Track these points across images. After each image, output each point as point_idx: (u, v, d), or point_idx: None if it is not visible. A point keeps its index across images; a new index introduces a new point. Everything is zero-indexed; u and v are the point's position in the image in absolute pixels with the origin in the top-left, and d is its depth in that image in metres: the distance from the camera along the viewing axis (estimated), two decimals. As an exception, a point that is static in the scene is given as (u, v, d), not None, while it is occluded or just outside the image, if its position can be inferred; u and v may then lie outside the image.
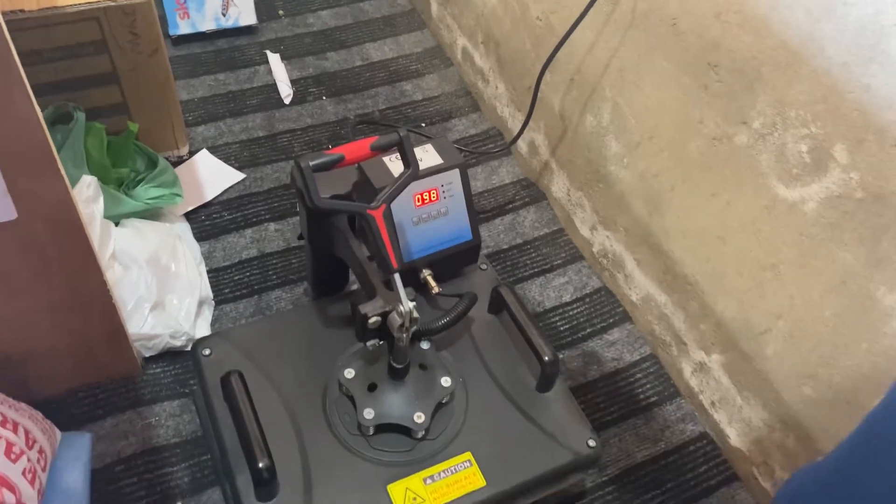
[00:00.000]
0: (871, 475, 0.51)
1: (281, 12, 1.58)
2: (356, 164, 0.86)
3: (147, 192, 1.10)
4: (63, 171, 0.75)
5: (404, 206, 0.89)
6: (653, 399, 1.08)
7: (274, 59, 1.48)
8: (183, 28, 1.46)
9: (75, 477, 0.88)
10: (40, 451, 0.83)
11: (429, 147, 0.92)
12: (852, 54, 0.71)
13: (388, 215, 0.74)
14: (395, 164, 0.89)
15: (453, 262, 0.96)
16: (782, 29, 0.78)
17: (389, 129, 1.38)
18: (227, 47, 1.49)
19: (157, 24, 1.07)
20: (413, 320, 0.75)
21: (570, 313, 1.17)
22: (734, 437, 1.02)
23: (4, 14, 0.58)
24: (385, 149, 0.74)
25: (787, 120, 0.80)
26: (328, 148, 1.34)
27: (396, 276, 0.73)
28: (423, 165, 0.90)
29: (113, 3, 0.79)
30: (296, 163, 0.71)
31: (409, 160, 0.74)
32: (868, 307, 0.77)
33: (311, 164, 0.69)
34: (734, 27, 0.84)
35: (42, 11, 0.75)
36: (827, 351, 0.84)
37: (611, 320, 1.16)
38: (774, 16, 0.78)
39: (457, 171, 0.91)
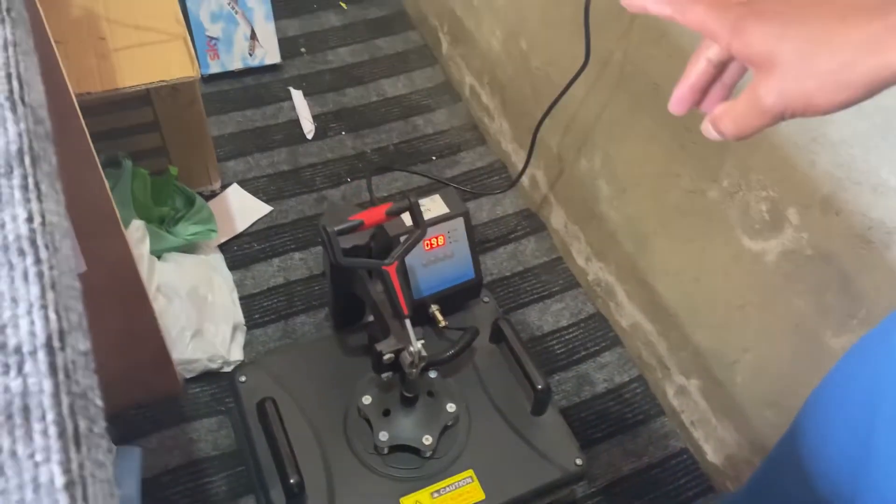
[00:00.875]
0: (774, 498, 0.64)
1: (303, 49, 1.70)
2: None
3: (186, 230, 1.23)
4: (123, 228, 0.88)
5: (415, 251, 1.01)
6: (639, 417, 1.20)
7: (297, 96, 1.60)
8: (213, 67, 1.59)
9: (129, 487, 1.02)
10: (102, 466, 0.96)
11: (436, 197, 1.04)
12: (800, 134, 0.82)
13: (401, 269, 0.86)
14: (406, 214, 1.01)
15: (458, 297, 1.08)
16: (744, 105, 0.89)
17: (400, 170, 1.50)
18: (254, 84, 1.62)
19: (196, 82, 1.20)
20: (421, 358, 0.87)
21: (566, 337, 1.29)
22: (710, 452, 1.13)
23: (75, 95, 0.71)
24: (398, 214, 0.86)
25: (749, 182, 0.92)
26: (348, 182, 1.47)
27: (407, 322, 0.86)
28: (431, 214, 1.02)
29: (165, 83, 0.91)
30: (322, 227, 0.84)
31: (418, 223, 0.86)
32: (818, 348, 0.88)
33: (336, 229, 0.82)
34: (706, 97, 0.95)
35: (106, 93, 0.88)
36: (785, 383, 0.95)
37: (603, 344, 1.28)
38: (738, 90, 0.89)
39: (461, 219, 1.03)
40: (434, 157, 1.53)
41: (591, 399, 1.21)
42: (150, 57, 0.93)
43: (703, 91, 0.44)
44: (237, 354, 1.19)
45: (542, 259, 1.39)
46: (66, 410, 0.29)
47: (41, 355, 0.30)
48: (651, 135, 1.07)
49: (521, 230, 1.43)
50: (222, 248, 1.33)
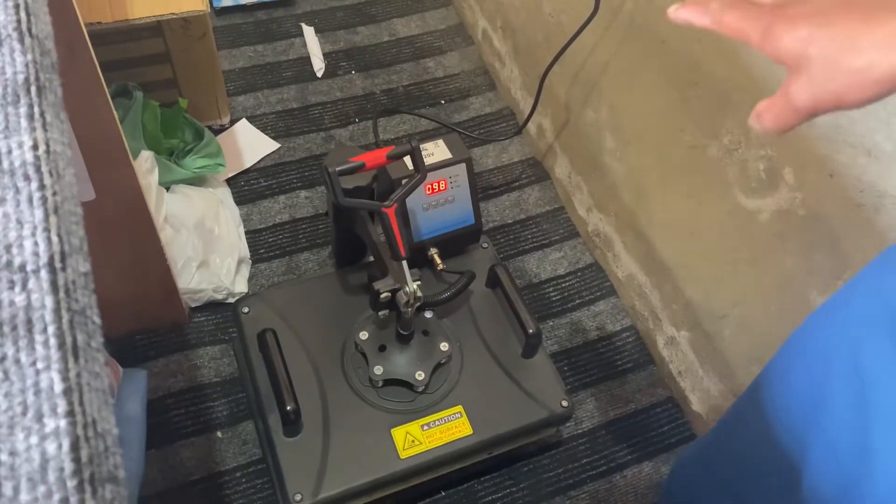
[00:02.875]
0: (737, 441, 0.67)
1: (316, -15, 1.68)
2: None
3: (195, 163, 1.25)
4: (132, 160, 0.90)
5: (416, 195, 1.03)
6: (628, 365, 1.24)
7: (308, 32, 1.60)
8: (226, 1, 1.58)
9: (135, 406, 1.06)
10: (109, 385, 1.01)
11: (440, 142, 1.06)
12: (801, 94, 0.83)
13: (401, 211, 0.88)
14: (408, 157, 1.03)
15: (457, 242, 1.10)
16: (749, 62, 0.89)
17: (406, 113, 1.50)
18: (266, 19, 1.61)
19: (207, 16, 1.20)
20: (417, 298, 0.90)
21: (563, 285, 1.31)
22: (695, 402, 1.17)
23: (85, 24, 0.72)
24: (399, 157, 0.88)
25: (749, 140, 0.93)
26: (356, 122, 1.48)
27: (404, 263, 0.88)
28: (433, 159, 1.04)
29: (175, 16, 0.92)
30: (324, 167, 0.85)
31: (419, 167, 0.88)
32: (803, 306, 0.90)
33: (337, 169, 0.83)
34: (712, 52, 0.95)
35: (116, 24, 0.89)
36: (771, 339, 0.98)
37: (598, 293, 1.30)
38: (744, 50, 0.90)
39: (463, 165, 1.05)
40: (443, 101, 1.53)
41: (582, 345, 1.25)
42: (161, -12, 0.94)
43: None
44: (242, 286, 1.22)
45: (544, 208, 1.40)
46: (65, 325, 0.32)
47: (44, 274, 0.33)
48: (657, 88, 1.07)
49: (525, 178, 1.44)
50: (230, 182, 1.36)
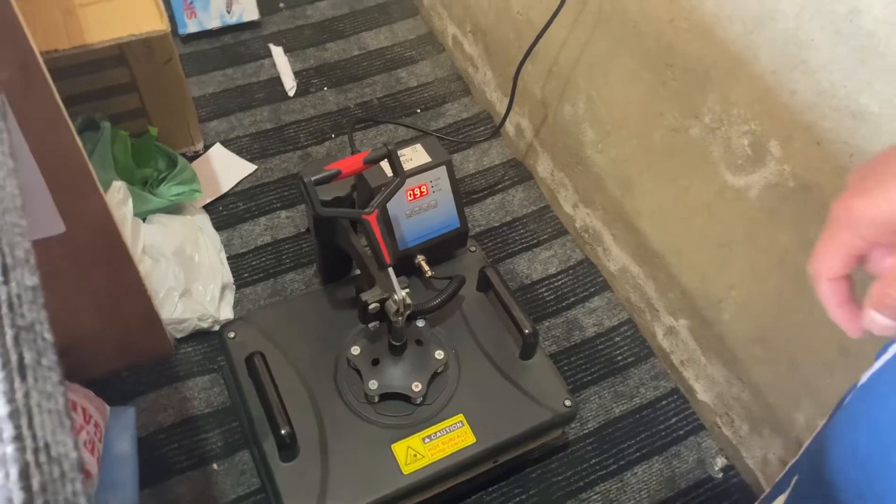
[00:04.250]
0: None
1: (281, 5, 1.67)
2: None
3: (170, 190, 1.22)
4: (100, 188, 0.87)
5: (398, 201, 1.00)
6: (630, 360, 1.21)
7: (277, 53, 1.58)
8: (191, 27, 1.56)
9: (125, 445, 1.03)
10: (96, 425, 0.97)
11: (418, 147, 1.03)
12: (780, 63, 0.81)
13: (382, 217, 0.85)
14: (387, 164, 1.00)
15: (444, 247, 1.08)
16: (724, 36, 0.88)
17: (381, 123, 1.48)
18: (233, 42, 1.59)
19: (170, 38, 1.18)
20: (406, 306, 0.87)
21: (556, 284, 1.29)
22: (700, 391, 1.14)
23: (41, 53, 0.69)
24: (376, 162, 0.85)
25: (731, 117, 0.91)
26: (332, 137, 1.45)
27: (390, 270, 0.85)
28: (413, 164, 1.01)
29: (135, 37, 0.89)
30: (300, 177, 0.83)
31: (397, 171, 0.85)
32: (802, 282, 0.88)
33: (313, 178, 0.81)
34: (685, 32, 0.94)
35: (73, 49, 0.86)
36: (771, 318, 0.96)
37: (592, 290, 1.28)
38: (717, 25, 0.88)
39: (443, 167, 1.02)
40: (419, 110, 1.51)
41: (581, 343, 1.22)
42: (118, 11, 0.91)
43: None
44: (227, 313, 1.19)
45: (529, 208, 1.38)
46: (9, 342, 0.29)
47: (-15, 288, 0.30)
48: (633, 74, 1.05)
49: (508, 180, 1.42)
50: (207, 208, 1.33)
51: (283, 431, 0.88)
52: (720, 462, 1.11)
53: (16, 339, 0.29)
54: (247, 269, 1.27)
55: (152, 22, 0.91)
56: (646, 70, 1.02)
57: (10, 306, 0.30)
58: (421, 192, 1.02)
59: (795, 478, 0.57)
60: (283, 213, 1.34)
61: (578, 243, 1.33)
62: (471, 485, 1.04)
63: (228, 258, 1.27)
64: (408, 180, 0.99)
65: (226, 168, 1.39)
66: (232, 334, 1.01)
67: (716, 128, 0.94)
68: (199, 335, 1.17)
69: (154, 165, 1.27)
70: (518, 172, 1.42)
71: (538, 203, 1.38)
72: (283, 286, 1.25)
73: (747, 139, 0.89)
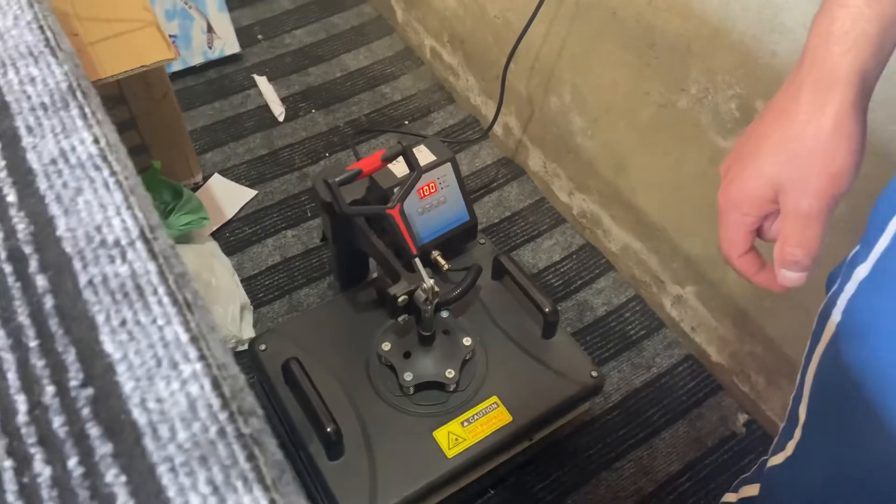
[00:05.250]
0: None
1: (260, 37, 1.71)
2: (365, 172, 1.01)
3: (179, 220, 1.25)
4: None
5: (410, 200, 1.05)
6: (642, 333, 1.26)
7: (261, 82, 1.62)
8: (175, 65, 1.59)
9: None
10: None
11: (422, 147, 1.08)
12: (758, 27, 0.87)
13: (402, 211, 0.90)
14: (394, 167, 1.04)
15: (457, 241, 1.12)
16: (701, 10, 0.94)
17: (381, 133, 1.53)
18: (217, 76, 1.63)
19: (165, 72, 1.21)
20: (434, 294, 0.91)
21: (561, 270, 1.33)
22: (714, 353, 1.19)
23: None
24: (393, 159, 0.89)
25: (716, 84, 0.97)
26: (326, 156, 1.49)
27: (417, 260, 0.89)
28: (420, 163, 1.06)
29: (146, 68, 0.93)
30: (323, 180, 0.87)
31: (413, 165, 0.90)
32: (801, 228, 0.94)
33: (337, 179, 0.85)
34: (663, 11, 1.00)
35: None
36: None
37: (597, 271, 1.33)
38: (694, 0, 0.94)
39: (449, 164, 1.07)
40: (407, 122, 1.56)
41: (593, 323, 1.26)
42: (126, 46, 0.95)
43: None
44: (249, 332, 1.22)
45: (526, 202, 1.43)
46: (173, 285, 0.32)
47: (139, 244, 0.33)
48: (615, 59, 1.11)
49: (501, 177, 1.47)
50: (215, 236, 1.35)
51: (329, 429, 0.91)
52: (742, 418, 1.16)
53: (177, 282, 0.33)
54: (261, 289, 1.30)
55: (161, 52, 0.95)
56: (628, 53, 1.09)
57: (165, 258, 0.33)
58: (431, 190, 1.06)
59: (804, 409, 0.58)
60: (290, 233, 1.37)
61: (578, 229, 1.38)
62: (509, 467, 1.07)
63: (242, 281, 1.29)
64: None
65: (227, 196, 1.42)
66: (263, 346, 1.04)
67: (702, 97, 0.99)
68: (223, 357, 1.19)
69: (160, 198, 1.29)
70: (511, 169, 1.48)
71: (534, 196, 1.44)
72: (298, 301, 1.28)
73: (734, 103, 0.95)
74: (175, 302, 0.31)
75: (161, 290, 0.32)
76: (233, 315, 1.20)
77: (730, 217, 0.49)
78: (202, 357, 0.30)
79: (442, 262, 1.08)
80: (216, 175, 1.45)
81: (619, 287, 1.31)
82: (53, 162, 0.36)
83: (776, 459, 0.63)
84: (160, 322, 0.31)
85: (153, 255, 0.33)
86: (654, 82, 1.06)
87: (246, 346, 1.19)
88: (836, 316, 0.52)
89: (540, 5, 1.13)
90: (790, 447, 0.61)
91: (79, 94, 0.39)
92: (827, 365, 0.55)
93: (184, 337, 0.30)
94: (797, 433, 0.60)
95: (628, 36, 1.07)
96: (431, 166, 1.06)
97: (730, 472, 1.10)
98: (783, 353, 1.06)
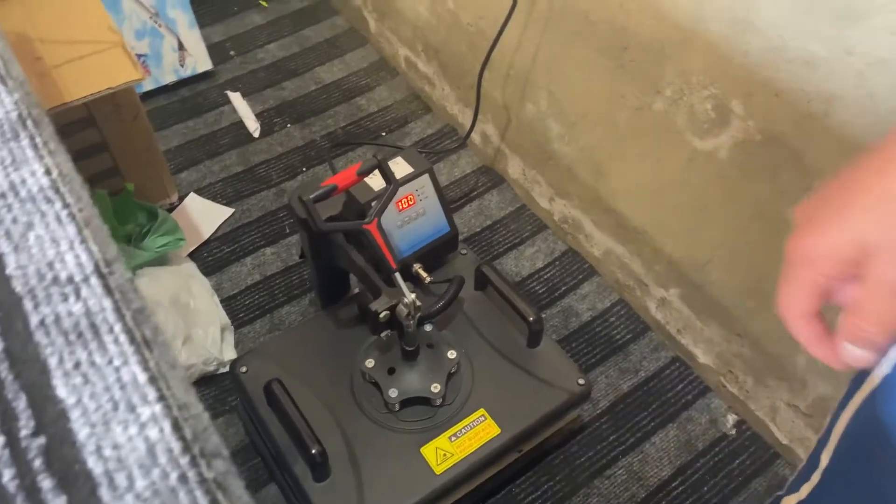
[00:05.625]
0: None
1: (232, 52, 1.70)
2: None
3: (155, 242, 1.23)
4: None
5: (388, 214, 1.03)
6: (628, 337, 1.25)
7: (235, 98, 1.60)
8: (147, 85, 1.57)
9: None
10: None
11: (399, 159, 1.07)
12: (730, 28, 0.87)
13: (380, 226, 0.88)
14: (371, 180, 1.03)
15: (438, 252, 1.11)
16: (674, 12, 0.94)
17: (358, 145, 1.52)
18: (190, 94, 1.61)
19: (135, 92, 1.19)
20: (417, 308, 0.89)
21: (545, 277, 1.33)
22: (701, 355, 1.19)
23: None
24: (369, 173, 0.88)
25: (691, 85, 0.96)
26: (304, 171, 1.48)
27: (397, 274, 0.88)
28: (397, 176, 1.04)
29: (112, 90, 0.91)
30: (298, 198, 0.85)
31: (389, 178, 0.88)
32: (782, 227, 0.93)
33: (312, 196, 0.83)
34: (636, 14, 1.00)
35: (52, 111, 0.88)
36: (760, 269, 1.01)
37: (580, 277, 1.32)
38: (665, 2, 0.94)
39: (426, 175, 1.06)
40: (384, 133, 1.55)
41: (579, 329, 1.25)
42: (92, 68, 0.93)
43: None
44: (230, 353, 1.20)
45: (507, 209, 1.42)
46: (130, 322, 0.31)
47: (94, 280, 0.32)
48: (590, 64, 1.11)
49: (481, 186, 1.46)
50: (192, 256, 1.33)
51: (314, 451, 0.89)
52: (731, 419, 1.15)
53: (134, 319, 0.31)
54: (241, 309, 1.28)
55: (127, 73, 0.93)
56: (602, 57, 1.08)
57: (122, 293, 0.32)
58: (409, 202, 1.05)
59: (827, 455, 0.56)
60: (269, 251, 1.36)
61: (560, 235, 1.37)
62: (499, 481, 1.06)
63: (221, 301, 1.27)
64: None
65: (203, 215, 1.40)
66: (244, 368, 1.02)
67: (678, 98, 0.99)
68: (205, 380, 1.17)
69: (135, 221, 1.27)
70: (490, 178, 1.47)
71: (514, 203, 1.43)
72: (280, 320, 1.26)
73: (710, 103, 0.95)
74: (132, 340, 0.30)
75: (117, 327, 0.30)
76: (213, 337, 1.18)
77: (799, 273, 0.42)
78: (161, 398, 0.28)
79: (424, 274, 1.06)
80: (192, 194, 1.43)
81: (603, 292, 1.30)
82: (3, 196, 0.34)
83: (789, 500, 0.61)
84: (117, 362, 0.29)
85: (109, 290, 0.31)
86: (629, 85, 1.06)
87: (227, 368, 1.17)
88: (883, 368, 0.48)
89: (511, 12, 1.12)
90: (805, 490, 0.58)
91: (29, 124, 0.38)
92: (863, 416, 0.51)
93: (142, 377, 0.29)
94: (815, 477, 0.57)
95: (601, 40, 1.07)
96: (409, 178, 1.04)
97: (722, 475, 1.10)
98: (769, 352, 1.05)
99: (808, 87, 0.82)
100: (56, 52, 0.93)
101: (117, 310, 0.31)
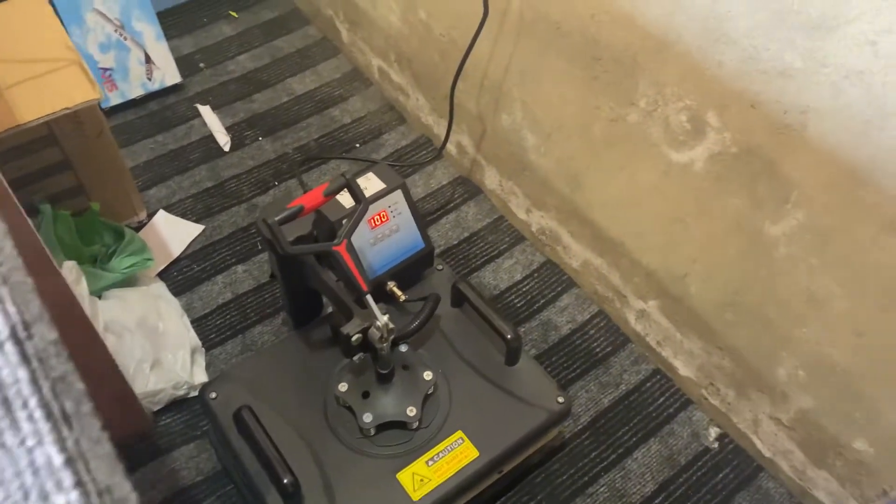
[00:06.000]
0: None
1: (202, 65, 1.66)
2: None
3: (121, 263, 1.19)
4: (57, 267, 0.84)
5: (361, 231, 1.01)
6: (608, 349, 1.23)
7: (205, 111, 1.57)
8: (113, 99, 1.54)
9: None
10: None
11: (370, 175, 1.04)
12: (703, 38, 0.85)
13: (350, 247, 0.85)
14: (343, 197, 1.00)
15: (413, 269, 1.08)
16: (645, 23, 0.92)
17: (329, 159, 1.49)
18: (159, 108, 1.58)
19: (98, 109, 1.16)
20: (390, 330, 0.87)
21: (523, 289, 1.30)
22: (681, 367, 1.17)
23: None
24: (337, 192, 0.85)
25: (665, 97, 0.95)
26: (276, 185, 1.45)
27: (368, 297, 0.85)
28: (369, 192, 1.02)
29: (69, 110, 0.88)
30: (262, 220, 0.82)
31: (359, 197, 0.86)
32: (760, 240, 0.92)
33: (277, 219, 0.80)
34: (607, 24, 0.98)
35: (6, 132, 0.84)
36: (738, 281, 0.99)
37: (559, 289, 1.30)
38: (636, 12, 0.92)
39: (399, 191, 1.03)
40: (358, 145, 1.52)
41: (558, 343, 1.23)
42: (48, 87, 0.89)
43: None
44: (201, 377, 1.16)
45: (484, 221, 1.40)
46: (48, 394, 0.28)
47: (9, 346, 0.29)
48: (563, 74, 1.09)
49: (458, 197, 1.43)
50: (162, 276, 1.30)
51: (285, 480, 0.86)
52: (714, 432, 1.13)
53: (53, 390, 0.28)
54: (213, 329, 1.24)
55: (84, 92, 0.90)
56: (575, 67, 1.06)
57: (40, 360, 0.29)
58: (382, 219, 1.02)
59: None
60: (240, 268, 1.32)
61: (538, 246, 1.35)
62: (479, 501, 1.03)
63: (192, 321, 1.24)
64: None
65: (173, 233, 1.37)
66: (213, 394, 0.99)
67: (652, 110, 0.97)
68: (176, 404, 1.14)
69: (101, 241, 1.23)
70: (467, 189, 1.44)
71: (492, 215, 1.40)
72: (252, 340, 1.23)
73: (685, 115, 0.93)
74: (49, 415, 0.27)
75: (33, 401, 0.27)
76: (183, 360, 1.14)
77: None
78: (79, 483, 0.25)
79: (398, 292, 1.04)
80: (161, 211, 1.39)
81: (582, 304, 1.28)
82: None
83: None
84: (30, 443, 0.26)
85: (25, 358, 0.28)
86: (603, 97, 1.04)
87: (198, 392, 1.14)
88: None
89: (483, 23, 1.10)
90: None
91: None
92: None
93: (58, 459, 0.26)
94: None
95: (574, 50, 1.05)
96: (381, 195, 1.02)
97: (705, 490, 1.08)
98: (750, 364, 1.04)
99: (784, 98, 0.80)
100: (10, 71, 0.90)
101: (34, 381, 0.28)
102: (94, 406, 0.30)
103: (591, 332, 1.25)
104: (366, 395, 0.95)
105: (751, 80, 0.82)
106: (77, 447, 0.27)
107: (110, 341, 1.10)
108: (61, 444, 0.26)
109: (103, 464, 0.27)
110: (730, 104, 0.87)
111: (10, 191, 0.72)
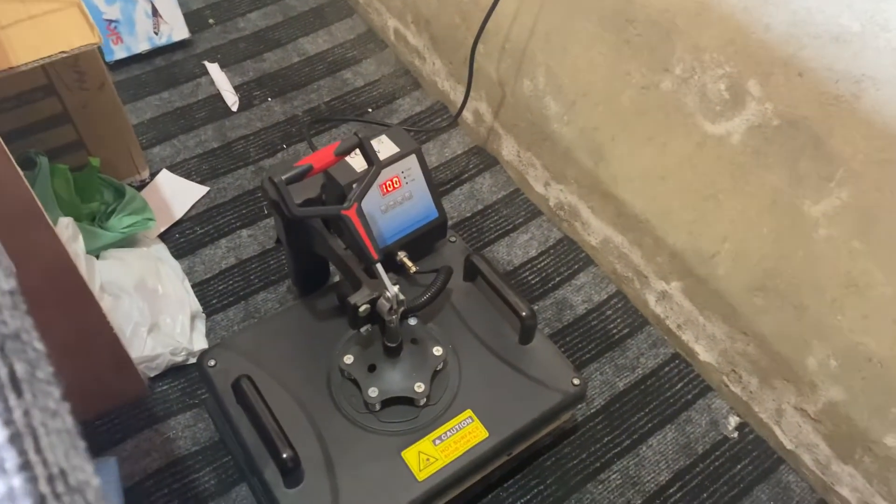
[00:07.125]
0: None
1: (211, 21, 1.60)
2: (320, 167, 0.92)
3: (121, 222, 1.14)
4: (50, 222, 0.79)
5: (372, 197, 0.95)
6: (625, 331, 1.18)
7: (213, 69, 1.51)
8: (118, 53, 1.48)
9: (110, 499, 0.94)
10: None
11: (384, 138, 0.98)
12: (750, -1, 0.79)
13: (360, 212, 0.80)
14: (354, 160, 0.95)
15: (425, 240, 1.03)
16: (687, -18, 0.85)
17: (341, 122, 1.43)
18: (166, 64, 1.52)
19: (100, 59, 1.10)
20: (400, 302, 0.82)
21: (539, 266, 1.25)
22: (702, 352, 1.12)
23: None
24: (348, 153, 0.80)
25: (703, 63, 0.88)
26: (284, 148, 1.39)
27: (379, 266, 0.80)
28: (382, 156, 0.96)
29: (66, 55, 0.82)
30: (269, 178, 0.77)
31: (371, 159, 0.80)
32: (798, 220, 0.86)
33: (284, 177, 0.75)
34: (644, -16, 0.91)
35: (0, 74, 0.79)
36: (770, 263, 0.93)
37: (576, 266, 1.24)
38: (678, -29, 0.85)
39: (413, 156, 0.98)
40: (370, 109, 1.46)
41: (573, 322, 1.18)
42: (44, 29, 0.84)
43: None
44: (201, 343, 1.12)
45: (499, 193, 1.34)
46: (-6, 353, 0.23)
47: (-50, 296, 0.24)
48: (593, 37, 1.02)
49: (473, 168, 1.38)
50: (163, 237, 1.25)
51: (284, 455, 0.81)
52: (733, 421, 1.09)
53: (1, 349, 0.23)
54: (214, 294, 1.19)
55: (83, 36, 0.84)
56: (606, 31, 1.00)
57: (-12, 311, 0.24)
58: (394, 185, 0.97)
59: None
60: (245, 232, 1.27)
61: (555, 221, 1.29)
62: (486, 483, 0.99)
63: (193, 286, 1.19)
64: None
65: (176, 194, 1.31)
66: (212, 362, 0.94)
67: (688, 77, 0.91)
68: (173, 371, 1.09)
69: (100, 199, 1.18)
70: (482, 159, 1.38)
71: (508, 187, 1.35)
72: (255, 307, 1.18)
73: (724, 83, 0.87)
74: (-6, 380, 0.22)
75: (-25, 362, 0.22)
76: (182, 325, 1.10)
77: None
78: (26, 465, 0.20)
79: (409, 264, 0.98)
80: (164, 171, 1.34)
81: (599, 283, 1.23)
82: None
83: None
84: (-32, 413, 0.21)
85: (-30, 309, 0.23)
86: (634, 62, 0.98)
87: (196, 359, 1.09)
88: None
89: (509, -20, 1.03)
90: None
91: None
92: None
93: (1, 434, 0.21)
94: None
95: (605, 11, 0.98)
96: (394, 159, 0.96)
97: (723, 481, 1.03)
98: (777, 352, 0.98)
99: (837, 65, 0.74)
100: (5, 9, 0.84)
101: (-22, 336, 0.23)
102: (54, 372, 0.25)
103: (608, 312, 1.20)
104: (372, 368, 0.91)
105: (800, 46, 0.76)
106: (26, 420, 0.21)
107: (107, 302, 1.05)
108: (7, 415, 0.21)
109: (59, 441, 0.22)
110: (774, 72, 0.80)
111: (0, 141, 0.67)
